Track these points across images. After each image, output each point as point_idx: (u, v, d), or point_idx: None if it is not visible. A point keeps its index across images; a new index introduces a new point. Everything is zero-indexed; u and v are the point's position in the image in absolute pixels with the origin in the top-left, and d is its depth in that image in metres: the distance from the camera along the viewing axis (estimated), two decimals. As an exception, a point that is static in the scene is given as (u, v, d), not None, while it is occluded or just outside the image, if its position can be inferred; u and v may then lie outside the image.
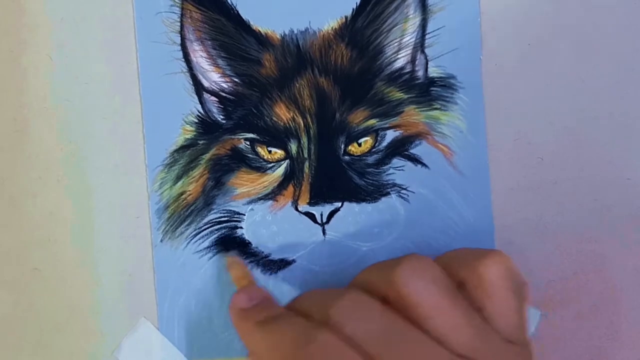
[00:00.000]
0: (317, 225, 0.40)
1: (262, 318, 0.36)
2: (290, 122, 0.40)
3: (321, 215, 0.40)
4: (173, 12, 0.40)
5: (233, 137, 0.40)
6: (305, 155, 0.40)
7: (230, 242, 0.41)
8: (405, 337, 0.32)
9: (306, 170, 0.40)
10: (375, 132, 0.40)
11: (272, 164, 0.40)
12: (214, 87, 0.40)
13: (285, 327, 0.34)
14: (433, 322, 0.32)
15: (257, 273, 0.41)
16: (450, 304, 0.33)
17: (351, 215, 0.40)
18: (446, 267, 0.34)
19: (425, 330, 0.32)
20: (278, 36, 0.40)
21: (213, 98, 0.40)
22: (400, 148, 0.41)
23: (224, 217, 0.41)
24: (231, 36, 0.40)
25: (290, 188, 0.40)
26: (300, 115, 0.40)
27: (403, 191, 0.41)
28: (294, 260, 0.41)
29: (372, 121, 0.40)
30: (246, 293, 0.38)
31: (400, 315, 0.33)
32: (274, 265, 0.41)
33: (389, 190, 0.41)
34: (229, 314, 0.38)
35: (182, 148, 0.41)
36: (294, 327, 0.34)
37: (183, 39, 0.40)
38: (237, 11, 0.40)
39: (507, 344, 0.33)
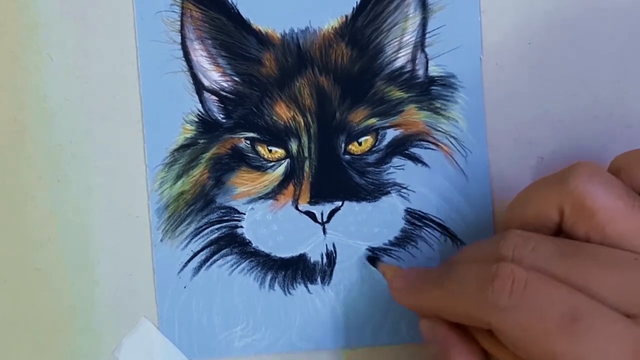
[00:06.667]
0: (317, 224, 0.40)
1: (432, 278, 0.35)
2: (290, 121, 0.40)
3: (321, 214, 0.40)
4: (173, 11, 0.40)
5: (233, 136, 0.40)
6: (306, 154, 0.40)
7: (232, 241, 0.41)
8: (586, 250, 0.32)
9: (306, 169, 0.40)
10: (376, 131, 0.40)
11: (273, 163, 0.40)
12: (214, 86, 0.40)
13: (465, 272, 0.33)
14: (613, 226, 0.32)
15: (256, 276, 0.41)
16: (630, 206, 0.32)
17: (351, 215, 0.40)
18: (626, 168, 0.34)
19: (604, 238, 0.32)
20: (278, 35, 0.40)
21: (213, 97, 0.40)
22: (401, 147, 0.41)
23: (224, 216, 0.41)
24: (231, 35, 0.40)
25: (291, 187, 0.40)
26: (301, 114, 0.40)
27: (403, 190, 0.41)
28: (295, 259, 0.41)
29: (373, 120, 0.40)
30: (399, 275, 0.38)
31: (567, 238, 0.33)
32: (274, 264, 0.41)
33: (389, 189, 0.41)
34: (395, 299, 0.37)
35: (182, 147, 0.41)
36: (473, 269, 0.33)
37: (183, 38, 0.40)
38: (238, 10, 0.40)
39: None
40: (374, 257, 0.41)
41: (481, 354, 0.34)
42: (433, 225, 0.41)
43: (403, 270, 0.38)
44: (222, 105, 0.40)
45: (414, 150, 0.41)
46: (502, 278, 0.31)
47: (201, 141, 0.41)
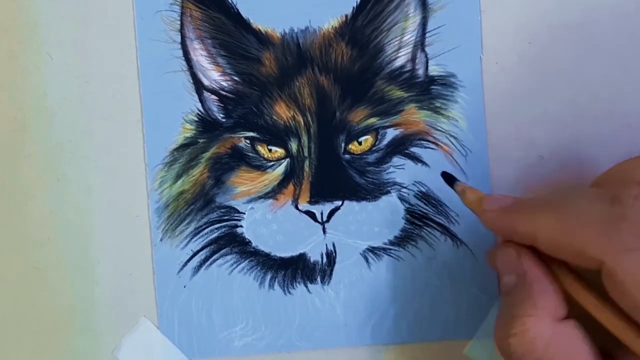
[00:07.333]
0: (317, 223, 0.40)
1: (539, 204, 0.33)
2: (290, 121, 0.40)
3: (321, 213, 0.40)
4: (173, 11, 0.40)
5: (233, 135, 0.40)
6: (306, 154, 0.40)
7: (232, 241, 0.41)
8: None
9: (306, 168, 0.40)
10: (376, 131, 0.40)
11: (273, 163, 0.40)
12: (214, 86, 0.40)
13: (585, 205, 0.32)
14: None
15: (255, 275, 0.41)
16: None
17: (351, 214, 0.40)
18: None
19: None
20: (278, 35, 0.40)
21: (213, 96, 0.40)
22: (401, 146, 0.41)
23: (224, 215, 0.41)
24: (231, 35, 0.40)
25: (291, 187, 0.40)
26: (301, 114, 0.40)
27: (403, 189, 0.41)
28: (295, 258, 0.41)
29: (373, 120, 0.40)
30: (489, 197, 0.36)
31: None
32: (274, 264, 0.41)
33: (389, 188, 0.41)
34: (484, 222, 0.35)
35: (182, 147, 0.41)
36: (595, 206, 0.32)
37: (183, 37, 0.40)
38: (237, 10, 0.40)
39: None
40: (450, 175, 0.39)
41: (563, 296, 0.33)
42: (433, 224, 0.41)
43: (492, 195, 0.36)
44: (221, 105, 0.40)
45: (414, 149, 0.41)
46: (632, 222, 0.30)
47: (201, 140, 0.41)
